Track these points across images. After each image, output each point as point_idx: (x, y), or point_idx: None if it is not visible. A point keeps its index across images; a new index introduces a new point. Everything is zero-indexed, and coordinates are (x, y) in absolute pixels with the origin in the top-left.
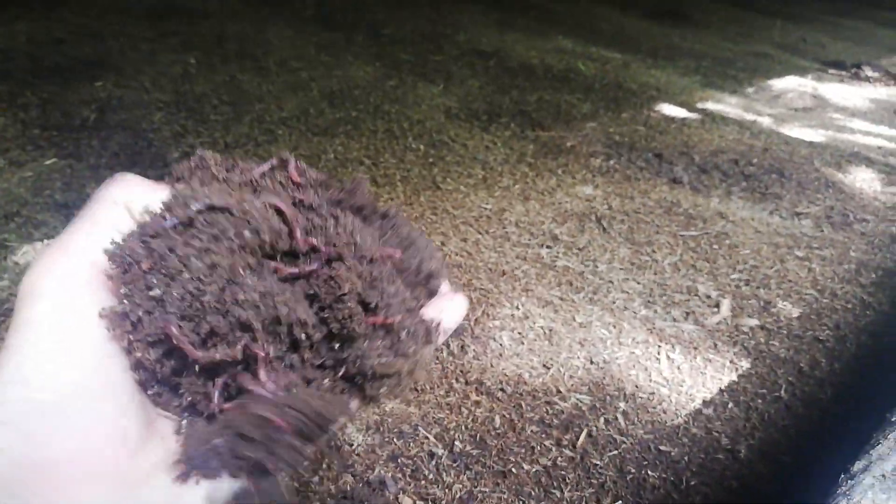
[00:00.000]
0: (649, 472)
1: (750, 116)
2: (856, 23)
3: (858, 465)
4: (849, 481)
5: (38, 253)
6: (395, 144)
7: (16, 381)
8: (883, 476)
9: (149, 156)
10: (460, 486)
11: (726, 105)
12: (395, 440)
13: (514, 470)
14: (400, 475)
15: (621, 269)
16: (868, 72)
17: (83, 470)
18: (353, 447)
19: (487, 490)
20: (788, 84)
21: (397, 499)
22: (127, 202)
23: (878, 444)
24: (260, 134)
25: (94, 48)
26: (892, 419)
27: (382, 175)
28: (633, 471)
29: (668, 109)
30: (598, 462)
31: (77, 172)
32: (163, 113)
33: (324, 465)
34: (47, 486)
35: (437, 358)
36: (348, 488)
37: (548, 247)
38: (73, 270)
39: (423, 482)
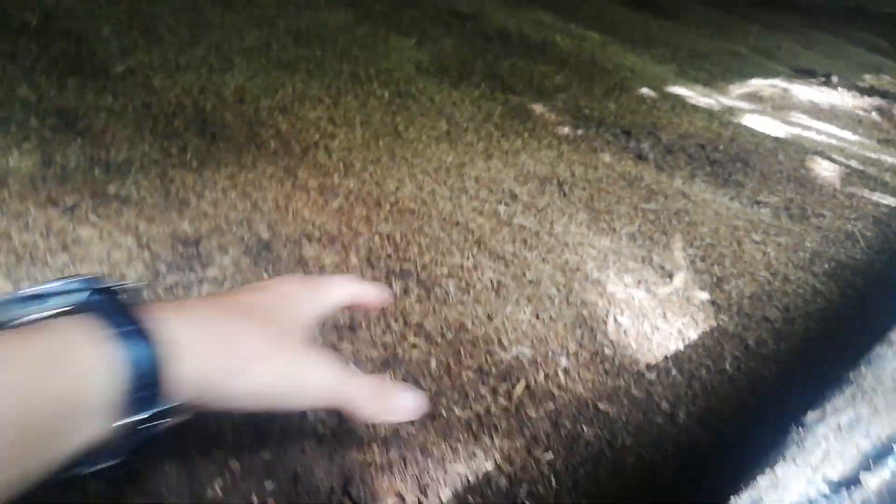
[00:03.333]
0: (584, 428)
1: (719, 108)
2: (830, 38)
3: (812, 416)
4: (800, 429)
5: None
6: (359, 88)
7: None
8: (839, 427)
9: (90, 66)
10: (385, 426)
11: (698, 94)
12: None
13: (444, 413)
14: (325, 413)
15: (577, 232)
16: (836, 81)
17: None
18: None
19: (414, 431)
20: (760, 83)
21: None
22: None
23: (833, 398)
24: (216, 59)
25: None
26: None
27: (342, 116)
28: (567, 425)
29: (641, 91)
30: (534, 414)
31: (9, 72)
32: (112, 27)
33: None
34: None
35: None
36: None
37: (506, 204)
38: None
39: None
